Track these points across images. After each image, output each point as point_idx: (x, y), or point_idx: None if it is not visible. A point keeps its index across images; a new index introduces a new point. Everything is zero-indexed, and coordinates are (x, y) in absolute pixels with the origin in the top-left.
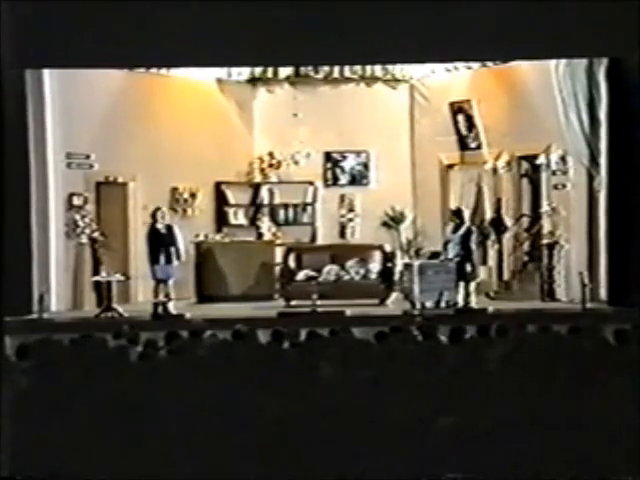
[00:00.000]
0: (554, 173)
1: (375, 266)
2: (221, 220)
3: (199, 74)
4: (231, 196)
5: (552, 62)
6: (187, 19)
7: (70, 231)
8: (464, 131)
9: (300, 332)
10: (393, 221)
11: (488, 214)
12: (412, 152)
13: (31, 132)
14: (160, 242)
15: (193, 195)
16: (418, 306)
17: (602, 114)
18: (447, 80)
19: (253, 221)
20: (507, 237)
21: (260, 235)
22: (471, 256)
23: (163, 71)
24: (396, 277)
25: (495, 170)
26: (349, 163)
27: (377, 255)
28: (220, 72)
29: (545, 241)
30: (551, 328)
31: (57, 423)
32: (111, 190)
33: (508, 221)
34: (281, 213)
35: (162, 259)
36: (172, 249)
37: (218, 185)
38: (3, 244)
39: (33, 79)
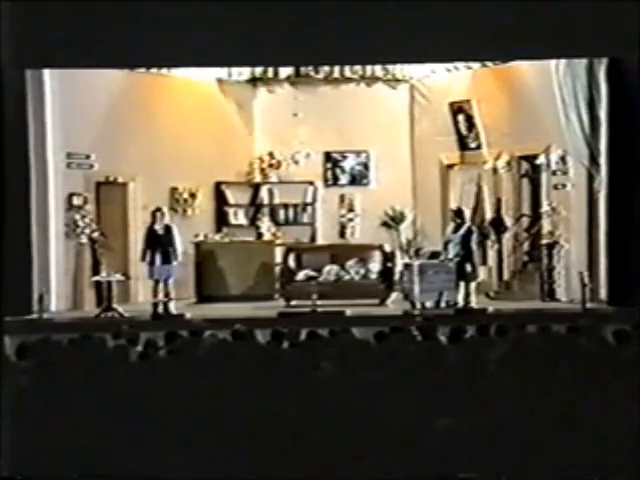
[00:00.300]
0: (554, 173)
1: (375, 266)
2: (221, 220)
3: (199, 74)
4: (231, 196)
5: (552, 62)
6: (187, 19)
7: (70, 231)
8: (464, 131)
9: (300, 332)
10: (393, 221)
11: (488, 214)
12: (412, 152)
13: (31, 132)
14: (157, 242)
15: (193, 195)
16: (418, 306)
17: (602, 114)
18: (447, 80)
19: (253, 221)
20: (507, 237)
21: (260, 235)
22: (472, 256)
23: (163, 71)
24: (396, 277)
25: (495, 170)
26: (349, 163)
27: (377, 255)
28: (220, 72)
29: (545, 241)
30: (551, 328)
31: (57, 423)
32: (111, 190)
33: (508, 221)
34: (281, 213)
35: (158, 259)
36: (170, 249)
37: (218, 185)
38: (3, 244)
39: (33, 79)
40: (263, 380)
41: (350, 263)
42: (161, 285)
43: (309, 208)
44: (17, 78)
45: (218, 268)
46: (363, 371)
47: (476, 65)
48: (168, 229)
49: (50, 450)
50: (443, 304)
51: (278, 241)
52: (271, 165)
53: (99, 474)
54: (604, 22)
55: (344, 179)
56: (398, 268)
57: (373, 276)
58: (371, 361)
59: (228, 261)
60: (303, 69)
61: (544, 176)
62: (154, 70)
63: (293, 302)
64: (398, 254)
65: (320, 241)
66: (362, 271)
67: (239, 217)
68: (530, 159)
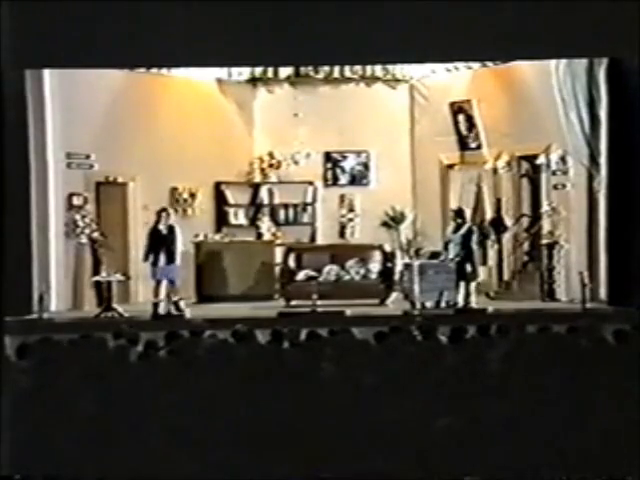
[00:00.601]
0: (554, 173)
1: (375, 266)
2: (221, 220)
3: (199, 74)
4: (231, 196)
5: (552, 62)
6: (187, 19)
7: (70, 231)
8: (464, 131)
9: (300, 332)
10: (393, 221)
11: (488, 214)
12: (412, 152)
13: (31, 132)
14: (161, 242)
15: (193, 195)
16: (418, 306)
17: (602, 114)
18: (447, 80)
19: (253, 221)
20: (507, 237)
21: (260, 235)
22: (472, 256)
23: (163, 71)
24: (396, 277)
25: (495, 170)
26: (349, 163)
27: (377, 255)
28: (220, 72)
29: (545, 241)
30: (551, 328)
31: (57, 423)
32: (111, 190)
33: (508, 221)
34: (281, 213)
35: (162, 260)
36: (173, 249)
37: (218, 185)
38: (3, 244)
39: (33, 79)
40: (263, 380)
41: (350, 263)
42: (163, 285)
43: (309, 208)
44: (17, 78)
45: (218, 268)
46: (363, 371)
47: (476, 65)
48: (171, 229)
49: (50, 450)
50: (443, 304)
51: (278, 241)
52: (271, 165)
53: (99, 474)
54: (604, 22)
55: (344, 179)
56: (398, 268)
57: (373, 276)
58: (371, 361)
59: (228, 261)
60: (303, 69)
61: (544, 176)
62: (154, 70)
63: (293, 302)
64: (398, 254)
65: (320, 241)
66: (362, 271)
67: (239, 217)
68: (530, 159)
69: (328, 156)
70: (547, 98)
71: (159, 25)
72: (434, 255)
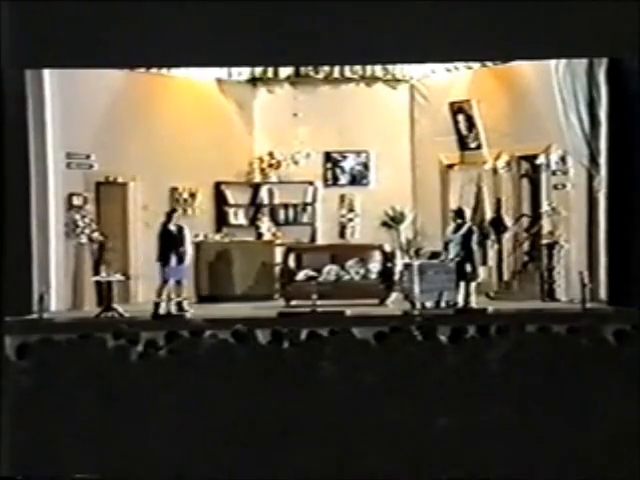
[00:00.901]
0: (554, 173)
1: (375, 266)
2: (221, 220)
3: (199, 74)
4: (231, 196)
5: (552, 62)
6: (187, 19)
7: (70, 231)
8: (464, 131)
9: (300, 332)
10: (393, 221)
11: (488, 214)
12: (412, 152)
13: (31, 132)
14: (171, 243)
15: (193, 195)
16: (418, 306)
17: (602, 114)
18: (447, 80)
19: (253, 221)
20: (507, 237)
21: (260, 235)
22: (472, 256)
23: (163, 71)
24: (396, 277)
25: (495, 170)
26: (349, 163)
27: (377, 255)
28: (220, 72)
29: (545, 241)
30: (551, 328)
31: (57, 423)
32: (111, 190)
33: (508, 221)
34: (281, 213)
35: (173, 260)
36: (182, 249)
37: (218, 185)
38: (3, 244)
39: (33, 79)
40: (263, 380)
41: (350, 263)
42: (170, 285)
43: (309, 208)
44: (17, 78)
45: (218, 268)
46: (363, 371)
47: (476, 65)
48: (180, 229)
49: (50, 450)
50: (443, 304)
51: (278, 241)
52: (271, 165)
53: (99, 474)
54: (604, 22)
55: (344, 179)
56: (398, 268)
57: (373, 276)
58: (371, 361)
59: (228, 261)
60: (303, 69)
61: (544, 176)
62: (154, 70)
63: (293, 302)
64: (398, 254)
65: (320, 241)
66: (362, 271)
67: (239, 217)
68: (530, 159)
69: (328, 156)
70: (547, 98)
71: (159, 25)
72: (434, 255)
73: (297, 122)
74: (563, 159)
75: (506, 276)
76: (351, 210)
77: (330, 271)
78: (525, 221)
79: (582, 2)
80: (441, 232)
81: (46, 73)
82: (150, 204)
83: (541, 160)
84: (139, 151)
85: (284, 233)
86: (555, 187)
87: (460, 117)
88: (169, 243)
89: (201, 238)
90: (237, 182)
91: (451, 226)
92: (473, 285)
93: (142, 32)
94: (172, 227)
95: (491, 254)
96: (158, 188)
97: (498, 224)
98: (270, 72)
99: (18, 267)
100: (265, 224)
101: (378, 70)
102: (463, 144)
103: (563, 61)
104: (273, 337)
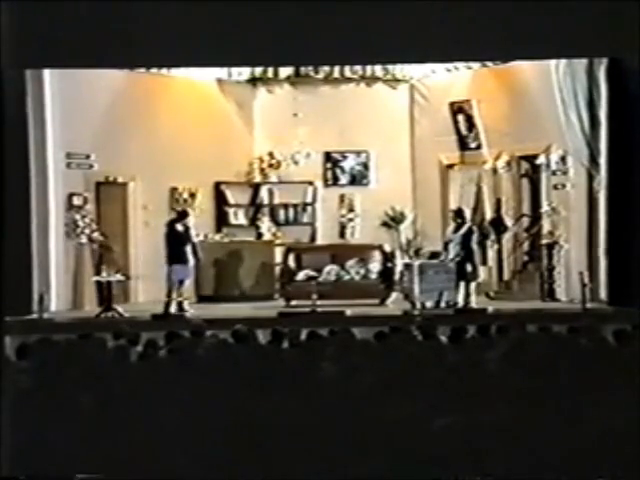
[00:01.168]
0: (554, 173)
1: (375, 266)
2: (221, 220)
3: (199, 74)
4: (231, 196)
5: (552, 62)
6: (187, 19)
7: (70, 231)
8: (464, 131)
9: (300, 332)
10: (393, 221)
11: (488, 214)
12: (412, 152)
13: (31, 132)
14: (179, 243)
15: (193, 195)
16: (418, 306)
17: (602, 114)
18: (447, 80)
19: (253, 221)
20: (507, 237)
21: (260, 235)
22: (472, 256)
23: (163, 71)
24: (396, 277)
25: (495, 170)
26: (349, 163)
27: (377, 255)
28: (220, 72)
29: (545, 241)
30: (551, 328)
31: (57, 423)
32: (111, 190)
33: (508, 221)
34: (281, 213)
35: (181, 259)
36: (188, 249)
37: (218, 185)
38: (3, 244)
39: (33, 79)
40: (263, 380)
41: (350, 263)
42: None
43: (309, 208)
44: (17, 78)
45: (218, 268)
46: (363, 371)
47: (476, 65)
48: (187, 229)
49: (50, 450)
50: (443, 304)
51: (278, 241)
52: (271, 165)
53: (99, 474)
54: (604, 22)
55: (344, 179)
56: (398, 268)
57: (373, 276)
58: (371, 361)
59: (228, 261)
60: (303, 69)
61: (544, 176)
62: (154, 70)
63: (293, 302)
64: (398, 254)
65: (320, 241)
66: (362, 271)
67: (239, 217)
68: (530, 159)
69: (328, 156)
70: (547, 98)
71: (159, 25)
72: (434, 255)
73: (297, 122)
74: (563, 159)
75: (506, 276)
76: (351, 210)
77: (330, 271)
78: (525, 221)
79: (582, 2)
80: (441, 232)
81: (46, 73)
82: (150, 204)
83: (541, 160)
84: (139, 151)
85: (284, 233)
86: (555, 187)
87: (460, 117)
88: (175, 244)
89: (201, 238)
90: (237, 182)
91: (451, 226)
92: (473, 285)
93: (142, 32)
94: (179, 227)
95: (491, 254)
96: (158, 188)
97: (498, 224)
98: (270, 72)
99: (18, 267)
100: (265, 224)
101: (378, 70)
102: (463, 144)
103: (563, 61)
104: (273, 337)
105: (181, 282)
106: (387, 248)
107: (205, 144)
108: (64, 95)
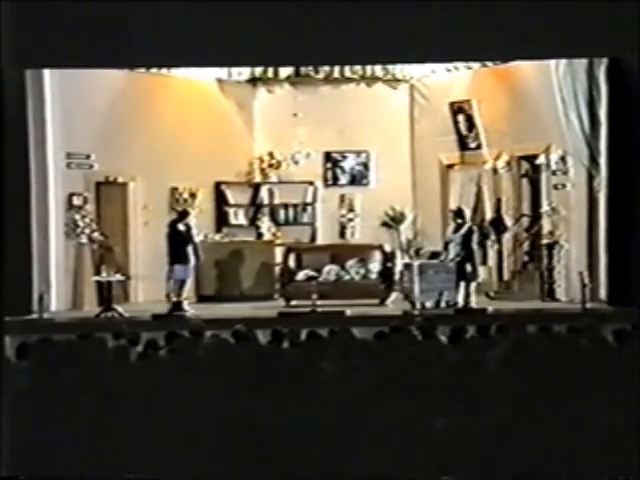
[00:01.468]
0: (554, 173)
1: (375, 266)
2: (221, 220)
3: (199, 74)
4: (231, 196)
5: (552, 62)
6: (187, 19)
7: (70, 231)
8: (464, 131)
9: (300, 332)
10: (393, 221)
11: (488, 214)
12: (412, 152)
13: (31, 132)
14: (181, 243)
15: (193, 195)
16: (418, 306)
17: (602, 114)
18: (447, 80)
19: (253, 221)
20: (507, 237)
21: (260, 235)
22: (472, 256)
23: (163, 71)
24: (396, 277)
25: (495, 170)
26: (349, 163)
27: (377, 255)
28: (220, 72)
29: (545, 241)
30: (551, 328)
31: (57, 423)
32: (111, 190)
33: (508, 221)
34: (281, 213)
35: (182, 259)
36: (189, 249)
37: (218, 185)
38: (3, 244)
39: (33, 79)
40: (263, 380)
41: (350, 263)
42: (171, 285)
43: (309, 208)
44: (17, 78)
45: (218, 268)
46: (363, 371)
47: (476, 65)
48: (188, 229)
49: (50, 450)
50: (443, 304)
51: (278, 241)
52: (271, 165)
53: (99, 474)
54: (604, 22)
55: (344, 179)
56: (398, 268)
57: (373, 276)
58: (371, 361)
59: (228, 261)
60: (303, 69)
61: (544, 176)
62: (154, 70)
63: (293, 302)
64: (398, 254)
65: (320, 241)
66: (362, 271)
67: (239, 217)
68: (530, 159)
69: (328, 156)
70: (547, 98)
71: (159, 25)
72: (434, 255)
73: (297, 122)
74: (563, 159)
75: (506, 276)
76: (351, 210)
77: (330, 271)
78: (525, 221)
79: (582, 2)
80: (441, 232)
81: (46, 73)
82: (150, 204)
83: (541, 160)
84: (139, 151)
85: (284, 233)
86: (555, 187)
87: (460, 117)
88: (177, 243)
89: (201, 238)
90: (237, 182)
91: (451, 226)
92: (473, 285)
93: (142, 32)
94: (181, 227)
95: (491, 254)
96: (158, 188)
97: (498, 224)
98: (270, 72)
99: (18, 267)
100: (265, 224)
101: (378, 70)
102: (463, 144)
103: (563, 61)
104: (273, 337)
105: (182, 282)
106: (387, 248)
107: (205, 144)
108: (64, 95)
